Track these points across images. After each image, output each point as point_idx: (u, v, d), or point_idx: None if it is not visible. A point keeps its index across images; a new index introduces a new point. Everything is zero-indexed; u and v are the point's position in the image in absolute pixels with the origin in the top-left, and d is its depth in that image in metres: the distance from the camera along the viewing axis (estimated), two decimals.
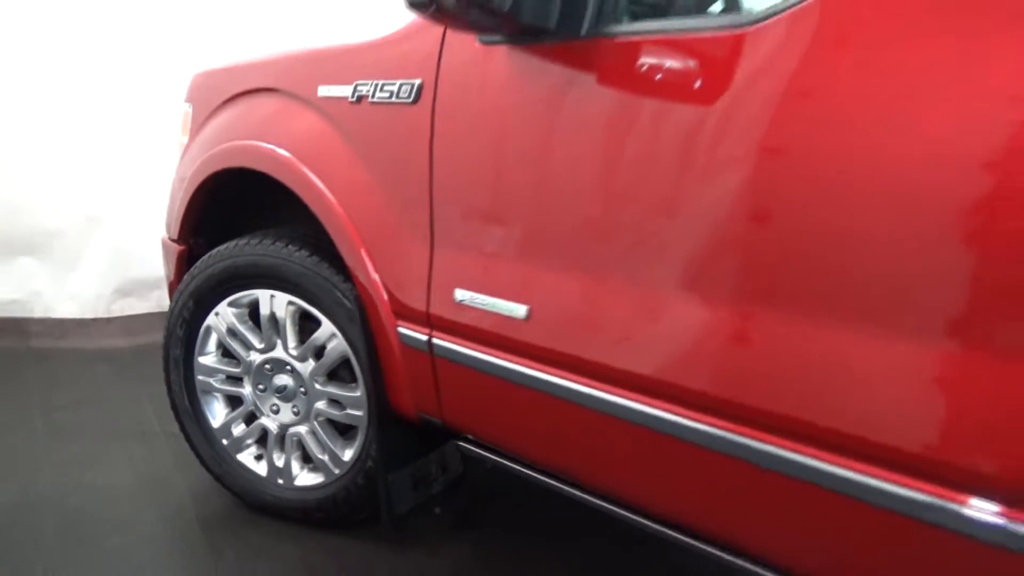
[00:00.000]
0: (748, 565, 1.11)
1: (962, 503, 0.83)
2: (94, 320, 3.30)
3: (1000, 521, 0.80)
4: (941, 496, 0.84)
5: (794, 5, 0.94)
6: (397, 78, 1.44)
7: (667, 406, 1.11)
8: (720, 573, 1.18)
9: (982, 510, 0.82)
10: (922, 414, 0.85)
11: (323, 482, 1.84)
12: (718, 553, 1.15)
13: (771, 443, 0.99)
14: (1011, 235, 0.77)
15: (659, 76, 1.08)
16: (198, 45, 3.14)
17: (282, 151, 1.68)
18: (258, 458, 1.94)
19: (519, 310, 1.28)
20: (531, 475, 1.41)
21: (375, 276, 1.53)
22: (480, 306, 1.34)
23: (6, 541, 1.76)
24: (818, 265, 0.92)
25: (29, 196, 3.01)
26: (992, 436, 0.80)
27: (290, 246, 1.73)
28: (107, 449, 2.24)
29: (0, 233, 3.01)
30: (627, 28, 1.13)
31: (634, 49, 1.11)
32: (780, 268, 0.96)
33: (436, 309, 1.43)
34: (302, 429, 1.84)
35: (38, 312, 3.20)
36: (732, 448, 1.03)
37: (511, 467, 1.45)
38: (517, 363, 1.30)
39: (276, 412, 1.86)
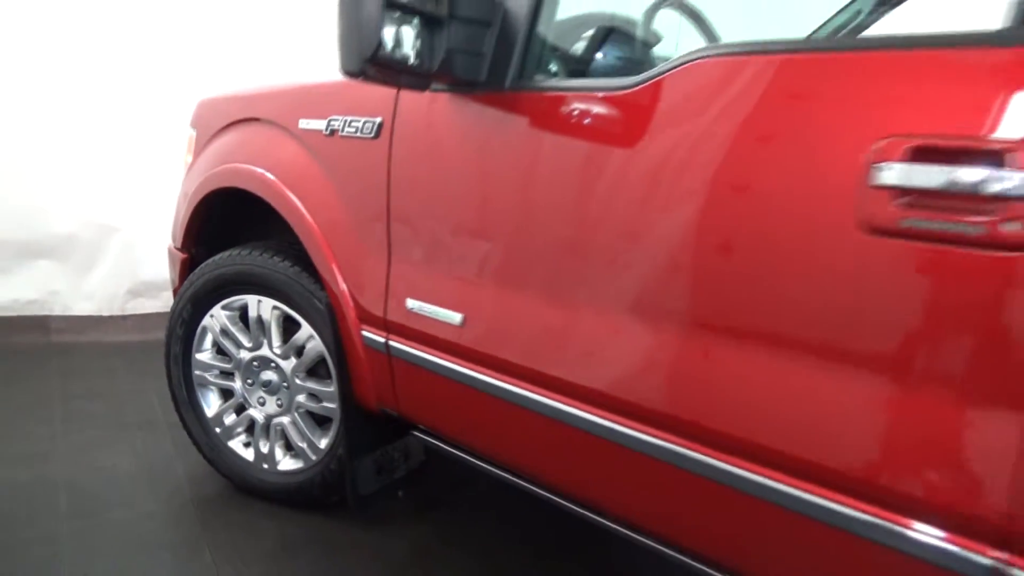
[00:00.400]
0: (631, 534, 1.32)
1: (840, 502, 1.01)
2: (110, 317, 3.57)
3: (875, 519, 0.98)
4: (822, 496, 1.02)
5: (656, 76, 1.16)
6: (362, 116, 1.67)
7: (571, 402, 1.33)
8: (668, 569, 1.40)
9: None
10: (808, 426, 1.03)
11: (302, 467, 2.08)
12: (615, 527, 1.36)
13: (638, 430, 1.21)
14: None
15: (563, 123, 1.30)
16: (212, 61, 3.40)
17: (269, 175, 1.92)
18: (246, 445, 2.18)
19: (456, 318, 1.51)
20: (476, 463, 1.63)
21: (343, 286, 1.76)
22: (426, 314, 1.57)
23: (26, 512, 2.01)
24: (676, 272, 1.15)
25: (47, 203, 3.28)
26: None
27: (275, 257, 1.97)
28: (116, 435, 2.49)
29: (21, 238, 3.27)
30: (540, 84, 1.36)
31: (545, 100, 1.33)
32: (653, 274, 1.18)
33: (392, 316, 1.65)
34: (285, 420, 2.07)
35: (57, 310, 3.47)
36: (609, 434, 1.25)
37: (455, 454, 1.67)
38: (455, 363, 1.53)
39: (263, 404, 2.10)
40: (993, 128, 0.87)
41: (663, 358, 1.18)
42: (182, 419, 2.23)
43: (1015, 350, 0.86)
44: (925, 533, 0.95)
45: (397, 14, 1.16)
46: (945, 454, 0.93)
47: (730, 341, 1.11)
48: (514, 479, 1.52)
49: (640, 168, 1.19)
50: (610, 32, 1.58)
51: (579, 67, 1.57)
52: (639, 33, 1.68)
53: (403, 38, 1.23)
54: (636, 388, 1.21)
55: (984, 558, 0.91)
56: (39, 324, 3.46)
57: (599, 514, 1.41)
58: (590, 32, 1.58)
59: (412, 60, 1.23)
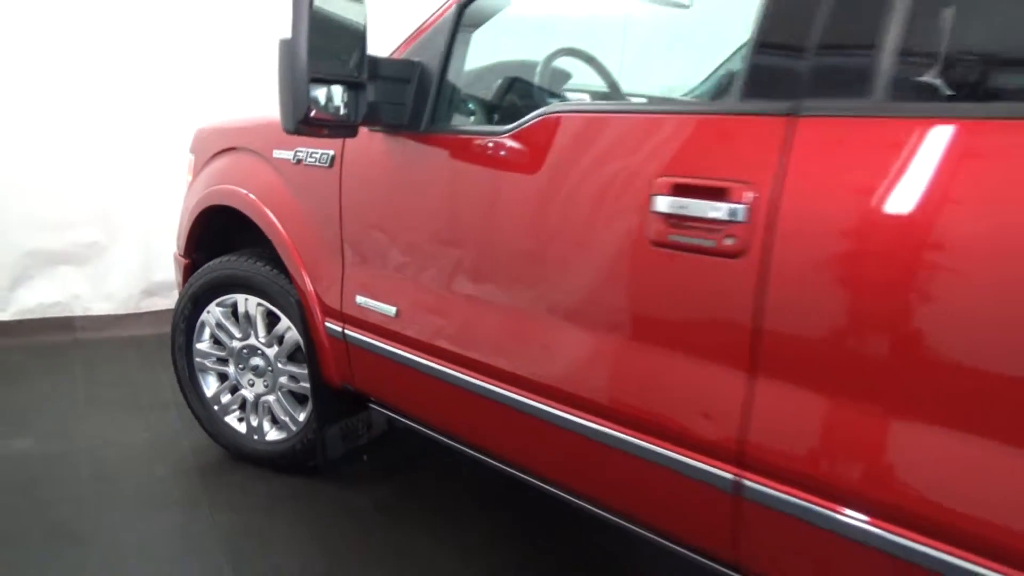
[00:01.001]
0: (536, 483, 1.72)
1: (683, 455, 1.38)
2: (127, 315, 4.00)
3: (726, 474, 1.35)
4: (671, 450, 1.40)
5: (521, 126, 1.55)
6: (320, 148, 2.07)
7: (482, 377, 1.71)
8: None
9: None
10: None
11: (285, 437, 2.49)
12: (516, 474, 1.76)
13: (522, 395, 1.61)
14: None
15: (464, 158, 1.70)
16: (220, 80, 3.79)
17: (251, 195, 2.33)
18: (240, 420, 2.59)
19: (391, 310, 1.91)
20: (418, 428, 2.03)
21: (310, 286, 2.17)
22: (371, 307, 1.97)
23: (52, 479, 2.43)
24: (528, 267, 1.54)
25: (70, 216, 3.71)
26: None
27: (258, 263, 2.38)
28: (131, 415, 2.92)
29: (46, 248, 3.71)
30: (447, 127, 1.76)
31: (451, 141, 1.73)
32: (518, 272, 1.57)
33: (347, 309, 2.06)
34: (271, 398, 2.49)
35: (79, 311, 3.91)
36: (507, 400, 1.65)
37: (401, 421, 2.08)
38: (392, 346, 1.93)
39: (252, 385, 2.51)
40: (718, 173, 1.26)
41: (525, 334, 1.58)
42: (186, 399, 2.65)
43: (733, 320, 1.25)
44: (696, 459, 1.33)
45: (323, 86, 1.55)
46: (700, 401, 1.32)
47: (570, 321, 1.50)
48: (448, 441, 1.92)
49: (511, 194, 1.58)
50: (514, 81, 1.96)
51: (491, 110, 1.96)
52: (537, 80, 2.06)
53: (333, 95, 1.62)
54: (514, 361, 1.61)
55: (727, 473, 1.30)
56: (64, 324, 3.91)
57: (510, 465, 1.80)
58: (498, 81, 1.97)
59: (341, 113, 1.63)
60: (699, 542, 1.40)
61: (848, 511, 1.12)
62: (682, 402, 1.35)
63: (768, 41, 1.25)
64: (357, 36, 1.62)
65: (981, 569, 0.99)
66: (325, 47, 1.54)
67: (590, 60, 2.14)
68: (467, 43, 1.81)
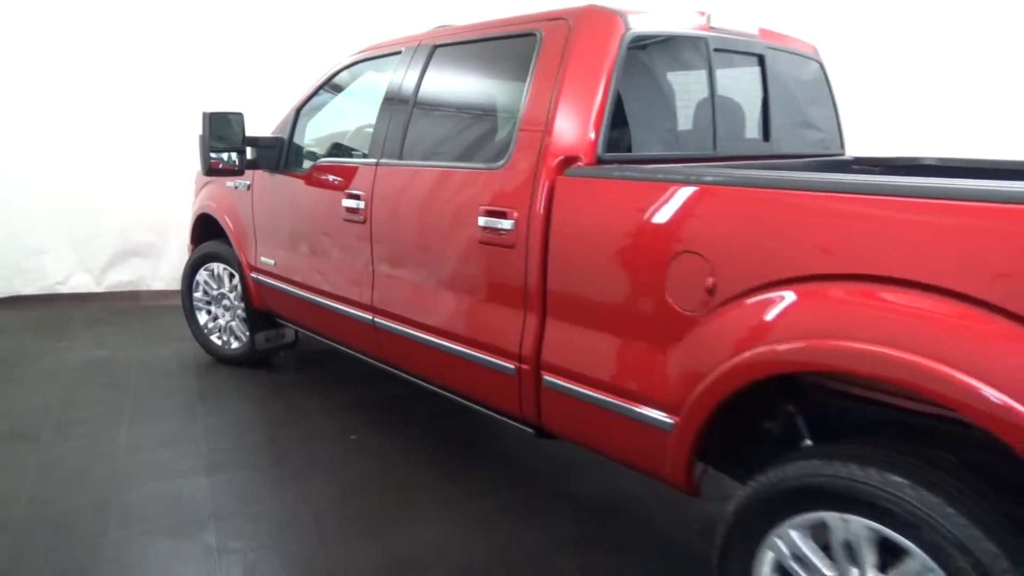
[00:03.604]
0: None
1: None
2: (172, 290, 5.98)
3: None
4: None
5: (311, 168, 3.37)
6: (244, 181, 3.93)
7: (318, 296, 3.50)
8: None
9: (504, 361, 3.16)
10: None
11: (239, 346, 4.34)
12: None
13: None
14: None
15: (297, 186, 3.52)
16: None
17: (215, 207, 4.22)
18: (218, 338, 4.47)
19: (272, 262, 3.75)
20: (308, 334, 3.84)
21: (241, 255, 4.03)
22: (264, 262, 3.82)
23: (116, 366, 4.36)
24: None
25: (134, 222, 5.74)
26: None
27: (223, 244, 4.25)
28: (164, 343, 4.84)
29: (123, 247, 5.77)
30: (288, 169, 3.58)
31: (292, 176, 3.55)
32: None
33: (256, 264, 3.91)
34: (232, 323, 4.36)
35: (143, 287, 5.94)
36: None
37: (294, 328, 3.91)
38: (274, 281, 3.76)
39: (223, 316, 4.39)
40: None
41: (346, 274, 3.38)
42: (190, 328, 4.55)
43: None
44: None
45: (222, 153, 3.39)
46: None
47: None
48: (316, 336, 3.72)
49: (311, 202, 3.38)
50: (336, 145, 3.75)
51: (306, 158, 3.74)
52: (346, 142, 3.84)
53: (226, 156, 3.46)
54: (336, 287, 3.39)
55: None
56: (132, 296, 5.94)
57: (352, 349, 3.57)
58: (329, 142, 3.76)
59: (234, 164, 3.47)
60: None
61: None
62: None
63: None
64: (239, 128, 3.45)
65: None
66: (222, 134, 3.39)
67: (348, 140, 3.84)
68: (302, 126, 3.63)
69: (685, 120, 2.68)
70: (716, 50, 2.60)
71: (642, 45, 2.41)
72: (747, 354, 1.74)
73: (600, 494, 2.95)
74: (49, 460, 3.14)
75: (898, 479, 1.53)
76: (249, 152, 3.54)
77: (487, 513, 2.78)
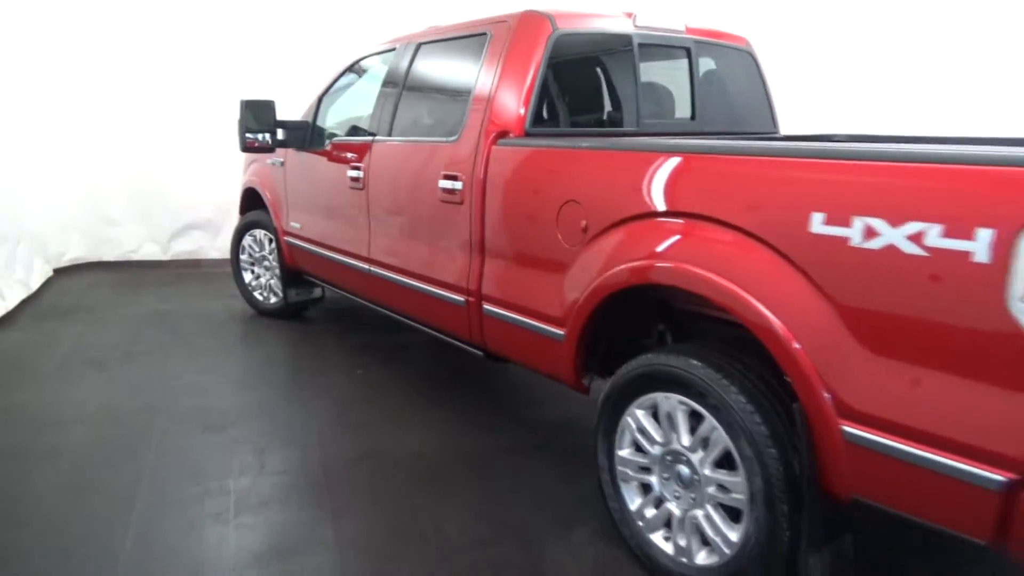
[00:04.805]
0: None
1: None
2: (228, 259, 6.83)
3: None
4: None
5: (331, 145, 4.06)
6: (279, 158, 4.66)
7: (340, 255, 4.18)
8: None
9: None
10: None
11: (277, 300, 5.09)
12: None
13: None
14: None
15: (319, 160, 4.21)
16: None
17: (257, 180, 4.97)
18: (260, 294, 5.23)
19: (298, 225, 4.47)
20: (328, 287, 4.56)
21: (276, 221, 4.76)
22: (292, 226, 4.54)
23: (174, 317, 5.16)
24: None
25: (196, 200, 6.60)
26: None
27: (263, 213, 5.00)
28: (217, 300, 5.64)
29: (183, 222, 6.65)
30: (313, 147, 4.28)
31: (316, 152, 4.25)
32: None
33: (286, 228, 4.63)
34: (272, 281, 5.10)
35: (203, 256, 6.79)
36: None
37: (318, 282, 4.63)
38: (303, 243, 4.48)
39: (261, 276, 5.14)
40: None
41: (358, 236, 4.08)
42: (238, 286, 5.33)
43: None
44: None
45: (257, 134, 4.10)
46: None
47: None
48: (338, 290, 4.43)
49: (333, 175, 4.07)
50: (351, 126, 4.42)
51: (325, 138, 4.42)
52: (358, 123, 4.49)
53: (260, 136, 4.18)
54: (354, 247, 4.08)
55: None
56: (195, 264, 6.80)
57: (368, 301, 4.27)
58: (344, 123, 4.44)
59: (267, 142, 4.19)
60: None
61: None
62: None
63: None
64: (271, 113, 4.15)
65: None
66: (255, 118, 4.11)
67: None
68: (324, 110, 4.32)
69: (612, 102, 3.23)
70: (642, 45, 3.15)
71: (569, 41, 2.98)
72: (605, 276, 2.32)
73: (557, 416, 3.54)
74: (115, 379, 3.93)
75: (695, 362, 2.09)
76: (281, 133, 4.24)
77: (457, 426, 3.40)
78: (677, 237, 2.11)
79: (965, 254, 1.50)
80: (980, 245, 1.48)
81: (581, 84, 3.19)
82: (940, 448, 1.58)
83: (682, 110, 3.43)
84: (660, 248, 2.14)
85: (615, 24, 3.10)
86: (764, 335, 1.87)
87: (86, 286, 6.06)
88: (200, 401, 3.64)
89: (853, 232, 1.68)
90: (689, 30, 3.33)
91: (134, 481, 2.84)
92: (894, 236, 1.61)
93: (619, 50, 3.15)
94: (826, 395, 1.77)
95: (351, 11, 6.55)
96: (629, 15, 3.13)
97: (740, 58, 3.60)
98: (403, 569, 2.36)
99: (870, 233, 1.65)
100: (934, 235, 1.55)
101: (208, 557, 2.39)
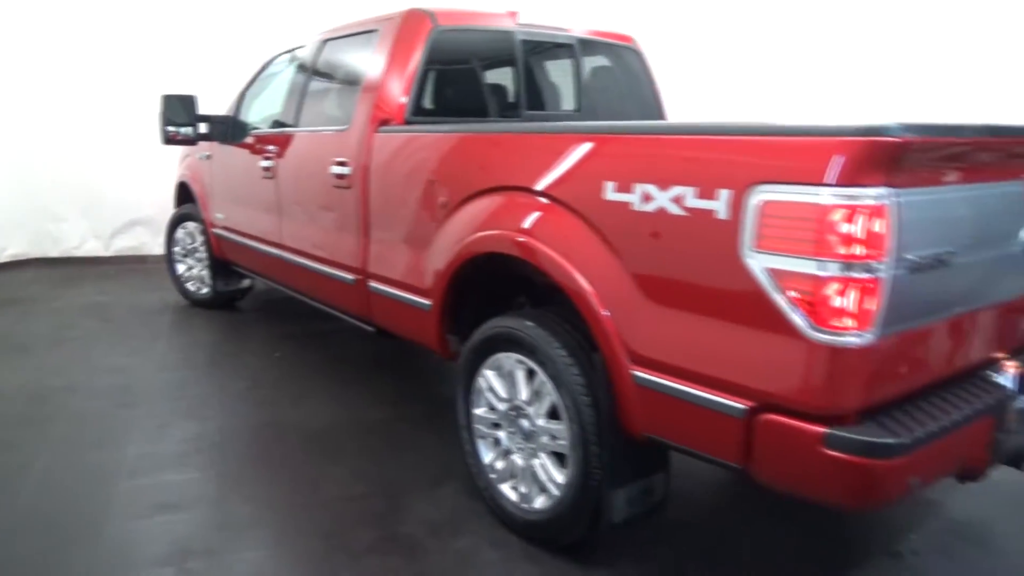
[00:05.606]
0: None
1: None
2: None
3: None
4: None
5: (250, 136, 4.25)
6: (207, 151, 4.84)
7: (259, 243, 4.38)
8: None
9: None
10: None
11: (207, 291, 5.26)
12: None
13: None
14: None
15: (238, 152, 4.40)
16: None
17: (188, 174, 5.15)
18: (192, 285, 5.39)
19: (222, 216, 4.65)
20: (256, 278, 4.73)
21: (204, 213, 4.94)
22: (218, 217, 4.73)
23: (115, 308, 5.32)
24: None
25: (140, 198, 6.74)
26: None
27: (192, 206, 5.18)
28: (154, 291, 5.78)
29: (127, 218, 6.80)
30: (234, 140, 4.47)
31: (235, 145, 4.44)
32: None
33: (212, 219, 4.82)
34: (203, 272, 5.27)
35: (147, 252, 6.94)
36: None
37: (246, 274, 4.80)
38: (228, 233, 4.66)
39: (194, 267, 5.31)
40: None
41: (271, 223, 4.26)
42: (171, 277, 5.49)
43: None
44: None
45: (180, 128, 4.28)
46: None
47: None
48: (261, 278, 4.61)
49: (250, 165, 4.27)
50: (272, 120, 4.61)
51: (246, 131, 4.61)
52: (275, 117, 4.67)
53: (182, 131, 4.36)
54: (269, 233, 4.27)
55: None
56: (139, 260, 6.94)
57: (284, 287, 4.46)
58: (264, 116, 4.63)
59: (189, 136, 4.37)
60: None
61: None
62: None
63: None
64: (192, 107, 4.33)
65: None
66: (176, 112, 4.28)
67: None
68: (247, 105, 4.51)
69: (495, 94, 3.46)
70: (524, 41, 3.38)
71: (450, 37, 3.20)
72: (456, 248, 2.54)
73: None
74: (40, 362, 4.09)
75: (528, 323, 2.31)
76: (205, 127, 4.41)
77: (359, 401, 3.59)
78: (507, 209, 2.34)
79: (711, 211, 1.73)
80: (721, 204, 1.71)
81: (464, 77, 3.42)
82: (698, 383, 1.81)
83: (569, 103, 3.67)
84: (492, 220, 2.36)
85: (497, 22, 3.33)
86: (570, 291, 2.10)
87: (26, 281, 6.20)
88: (119, 381, 3.81)
89: (634, 197, 1.91)
90: (576, 29, 3.57)
91: (41, 445, 3.02)
92: (663, 199, 1.84)
93: (502, 46, 3.37)
94: (619, 343, 1.99)
95: (288, 9, 6.74)
96: (512, 14, 3.36)
97: (627, 55, 3.84)
98: (273, 517, 2.55)
99: (647, 198, 1.88)
100: (691, 197, 1.78)
101: (99, 507, 2.58)
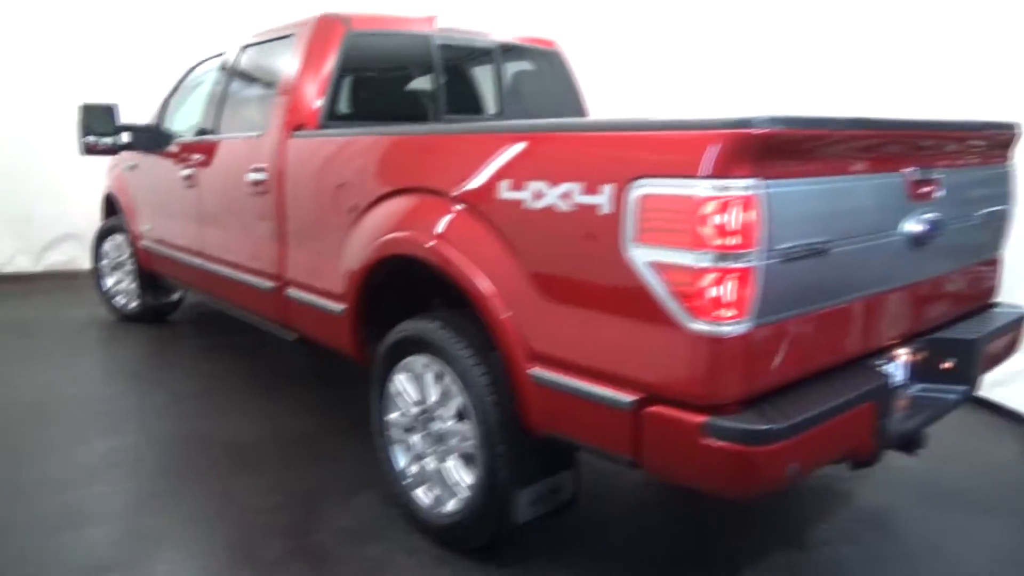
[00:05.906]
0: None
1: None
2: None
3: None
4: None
5: (168, 146, 4.17)
6: (133, 161, 4.73)
7: (182, 252, 4.29)
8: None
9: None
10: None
11: (136, 305, 5.13)
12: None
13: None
14: None
15: (160, 160, 4.32)
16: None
17: (114, 186, 5.03)
18: (123, 301, 5.26)
19: (148, 227, 4.56)
20: (178, 284, 4.63)
21: (130, 226, 4.83)
22: (145, 228, 4.63)
23: (30, 327, 5.16)
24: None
25: (72, 215, 6.56)
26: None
27: (117, 219, 5.06)
28: (83, 307, 5.62)
29: (60, 232, 6.62)
30: (157, 149, 4.39)
31: (158, 154, 4.35)
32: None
33: (138, 231, 4.71)
34: (132, 286, 5.15)
35: (77, 267, 6.76)
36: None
37: (176, 285, 4.70)
38: (154, 244, 4.56)
39: (123, 281, 5.19)
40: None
41: (193, 232, 4.18)
42: (98, 292, 5.35)
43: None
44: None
45: (100, 137, 4.18)
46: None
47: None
48: (199, 294, 4.51)
49: (172, 174, 4.18)
50: (196, 128, 4.54)
51: (168, 140, 4.52)
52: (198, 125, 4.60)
53: (101, 140, 4.26)
54: (191, 243, 4.17)
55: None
56: (71, 275, 6.76)
57: (210, 297, 4.37)
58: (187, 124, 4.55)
59: (109, 145, 4.27)
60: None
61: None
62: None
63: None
64: (111, 116, 4.23)
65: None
66: (96, 122, 4.19)
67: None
68: (170, 113, 4.43)
69: (413, 97, 3.46)
70: (441, 45, 3.38)
71: (366, 42, 3.19)
72: (366, 250, 2.52)
73: None
74: None
75: (435, 325, 2.30)
76: (127, 136, 4.32)
77: (285, 412, 3.53)
78: (411, 212, 2.33)
79: (596, 207, 1.74)
80: (605, 199, 1.72)
81: (381, 81, 3.41)
82: (590, 377, 1.82)
83: (492, 107, 3.68)
84: (398, 222, 2.36)
85: (413, 26, 3.33)
86: (468, 292, 2.09)
87: None
88: (34, 397, 3.69)
89: (527, 195, 1.92)
90: (495, 34, 3.58)
91: None
92: (553, 196, 1.85)
93: (419, 51, 3.37)
94: (518, 342, 1.99)
95: (213, 13, 6.66)
96: (429, 20, 3.36)
97: (549, 58, 3.87)
98: (185, 530, 2.50)
99: (538, 195, 1.89)
100: (577, 193, 1.79)
101: (8, 525, 2.50)
